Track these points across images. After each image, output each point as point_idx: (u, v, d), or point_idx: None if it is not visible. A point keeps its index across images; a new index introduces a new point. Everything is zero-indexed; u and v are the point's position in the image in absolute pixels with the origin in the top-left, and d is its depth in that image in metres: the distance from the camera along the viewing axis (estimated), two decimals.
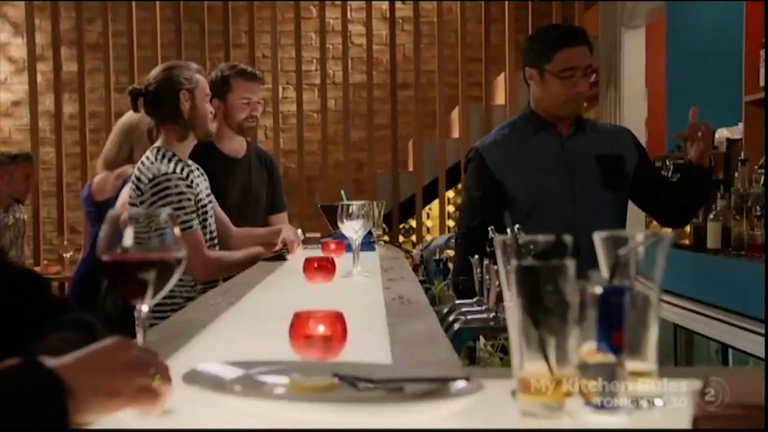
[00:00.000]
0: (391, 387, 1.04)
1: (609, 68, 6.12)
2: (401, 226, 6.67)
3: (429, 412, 1.01)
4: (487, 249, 2.19)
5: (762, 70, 3.78)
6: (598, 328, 1.01)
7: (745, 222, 3.63)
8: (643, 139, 5.98)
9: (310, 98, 7.08)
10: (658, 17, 5.66)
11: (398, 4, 6.69)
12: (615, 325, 1.00)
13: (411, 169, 6.71)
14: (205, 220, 3.33)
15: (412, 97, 6.56)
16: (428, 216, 6.84)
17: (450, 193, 6.53)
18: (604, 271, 1.08)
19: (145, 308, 1.09)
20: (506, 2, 6.50)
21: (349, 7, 6.74)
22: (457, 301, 2.28)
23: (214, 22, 6.59)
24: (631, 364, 1.03)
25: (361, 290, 2.46)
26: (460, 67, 6.48)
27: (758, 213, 3.56)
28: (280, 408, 1.02)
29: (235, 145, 4.00)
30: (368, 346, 1.53)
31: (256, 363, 1.18)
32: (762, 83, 3.79)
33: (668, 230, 3.53)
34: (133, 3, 6.44)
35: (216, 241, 3.44)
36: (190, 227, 3.18)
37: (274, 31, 6.52)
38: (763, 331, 3.17)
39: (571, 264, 1.01)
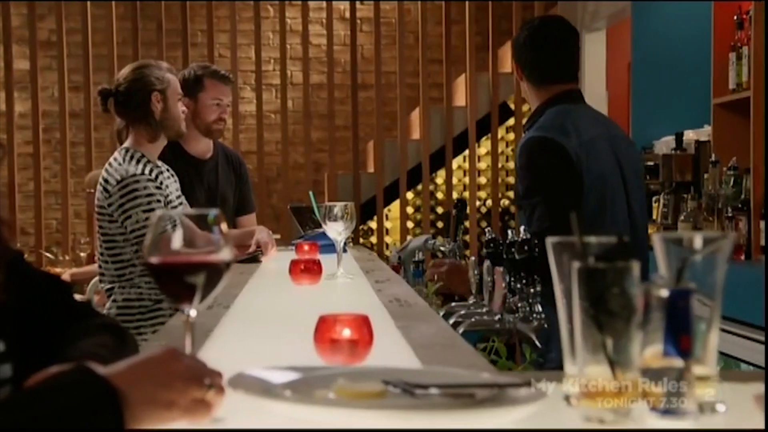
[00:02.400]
0: (456, 393, 1.01)
1: None
2: (360, 227, 6.62)
3: (494, 419, 0.98)
4: (484, 251, 2.17)
5: (731, 73, 3.81)
6: (665, 331, 0.99)
7: (716, 223, 3.67)
8: None
9: (268, 98, 7.00)
10: (620, 19, 5.69)
11: (358, 5, 6.65)
12: (683, 328, 0.98)
13: (371, 170, 6.67)
14: None
15: (372, 97, 6.53)
16: (387, 217, 6.80)
17: (410, 195, 6.50)
18: (663, 272, 1.06)
19: (193, 313, 1.04)
20: (467, 3, 6.49)
21: (308, 7, 6.68)
22: (453, 304, 2.25)
23: (171, 20, 6.48)
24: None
25: (352, 292, 2.42)
26: (420, 68, 6.46)
27: (729, 214, 3.60)
28: (338, 414, 0.98)
29: (202, 146, 3.94)
30: (389, 350, 1.50)
31: (297, 368, 1.14)
32: (731, 86, 3.83)
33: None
34: (88, 1, 6.30)
35: None
36: None
37: (232, 31, 6.43)
38: (740, 332, 3.20)
39: (636, 265, 0.99)
